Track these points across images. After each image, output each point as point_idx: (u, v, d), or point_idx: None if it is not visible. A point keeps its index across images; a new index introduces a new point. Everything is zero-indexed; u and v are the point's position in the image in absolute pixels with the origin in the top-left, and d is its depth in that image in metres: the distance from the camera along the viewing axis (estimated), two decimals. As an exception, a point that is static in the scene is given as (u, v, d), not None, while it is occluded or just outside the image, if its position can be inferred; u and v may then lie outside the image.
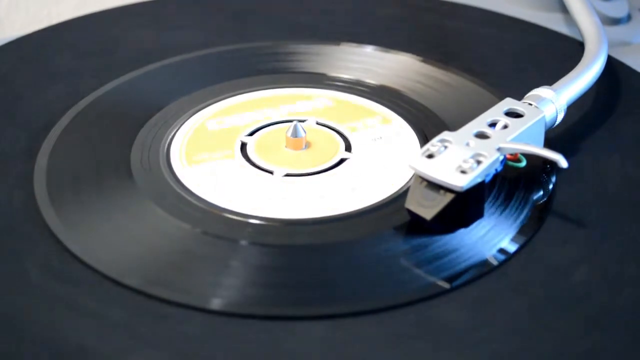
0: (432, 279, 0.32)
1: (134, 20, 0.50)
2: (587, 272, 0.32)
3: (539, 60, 0.46)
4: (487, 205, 0.34)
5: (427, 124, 0.40)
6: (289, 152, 0.38)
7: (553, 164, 0.36)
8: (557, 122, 0.37)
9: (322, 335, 0.30)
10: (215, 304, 0.31)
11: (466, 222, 0.33)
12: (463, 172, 0.32)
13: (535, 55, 0.46)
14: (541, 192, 0.36)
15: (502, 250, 0.33)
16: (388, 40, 0.47)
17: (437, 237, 0.33)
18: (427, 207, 0.33)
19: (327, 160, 0.38)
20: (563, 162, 0.33)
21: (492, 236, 0.33)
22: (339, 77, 0.44)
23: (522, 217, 0.34)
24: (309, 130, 0.39)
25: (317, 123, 0.40)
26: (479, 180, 0.33)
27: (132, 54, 0.46)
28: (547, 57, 0.46)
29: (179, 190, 0.36)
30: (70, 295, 0.31)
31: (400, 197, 0.35)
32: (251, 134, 0.40)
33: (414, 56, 0.45)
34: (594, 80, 0.40)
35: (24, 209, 0.35)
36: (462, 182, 0.32)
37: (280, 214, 0.35)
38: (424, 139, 0.39)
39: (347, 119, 0.40)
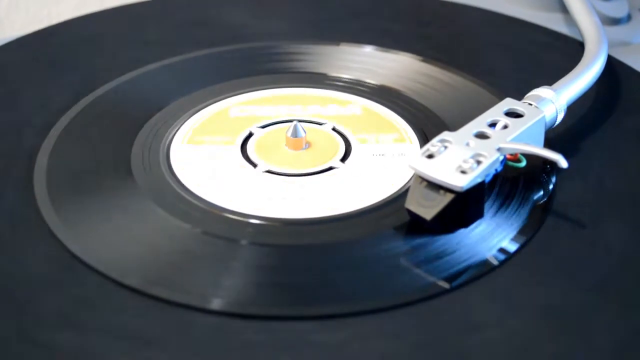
0: (432, 279, 0.32)
1: (134, 20, 0.50)
2: (587, 272, 0.32)
3: (539, 60, 0.46)
4: (487, 206, 0.34)
5: (427, 124, 0.40)
6: (289, 152, 0.38)
7: (553, 164, 0.36)
8: (557, 122, 0.37)
9: (322, 336, 0.30)
10: (215, 304, 0.31)
11: (466, 222, 0.33)
12: (463, 172, 0.32)
13: (535, 55, 0.46)
14: (541, 192, 0.36)
15: (502, 250, 0.33)
16: (388, 40, 0.47)
17: (437, 237, 0.33)
18: (427, 207, 0.33)
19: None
20: (563, 162, 0.33)
21: (492, 236, 0.33)
22: (339, 77, 0.44)
23: (522, 217, 0.34)
24: (309, 130, 0.39)
25: (334, 129, 0.40)
26: (479, 180, 0.33)
27: (132, 54, 0.46)
28: (547, 57, 0.46)
29: (179, 190, 0.36)
30: (70, 295, 0.31)
31: (400, 197, 0.35)
32: (263, 127, 0.40)
33: (414, 56, 0.45)
34: (594, 80, 0.40)
35: (24, 209, 0.35)
36: (462, 182, 0.32)
37: (280, 214, 0.35)
38: (424, 139, 0.39)
39: (364, 130, 0.40)
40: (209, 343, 0.29)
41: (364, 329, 0.30)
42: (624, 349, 0.29)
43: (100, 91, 0.42)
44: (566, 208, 0.35)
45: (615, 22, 0.51)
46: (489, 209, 0.34)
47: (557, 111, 0.37)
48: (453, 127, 0.37)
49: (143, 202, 0.35)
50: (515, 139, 0.35)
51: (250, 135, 0.40)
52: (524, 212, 0.35)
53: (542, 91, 0.37)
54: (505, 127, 0.35)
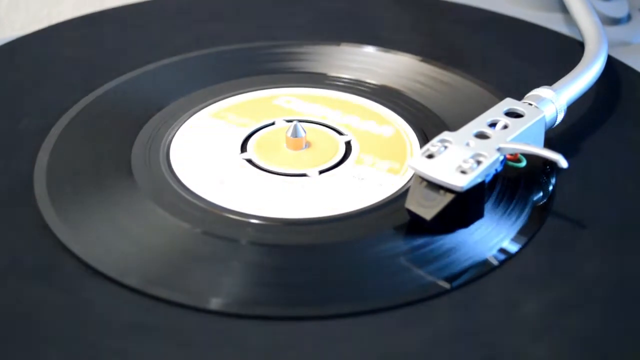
0: (432, 279, 0.32)
1: (134, 20, 0.50)
2: (587, 272, 0.32)
3: (539, 60, 0.46)
4: (487, 206, 0.34)
5: (427, 124, 0.40)
6: (289, 152, 0.38)
7: (553, 164, 0.36)
8: (557, 122, 0.37)
9: (322, 336, 0.30)
10: (215, 304, 0.31)
11: (466, 222, 0.33)
12: (463, 172, 0.32)
13: (535, 55, 0.46)
14: (541, 193, 0.36)
15: (502, 251, 0.33)
16: (388, 41, 0.47)
17: (437, 237, 0.33)
18: (427, 207, 0.33)
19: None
20: (563, 162, 0.33)
21: (492, 236, 0.33)
22: (339, 77, 0.44)
23: (522, 217, 0.34)
24: (309, 130, 0.39)
25: (347, 143, 0.39)
26: (479, 180, 0.33)
27: (132, 54, 0.46)
28: (547, 57, 0.46)
29: (179, 190, 0.36)
30: (70, 295, 0.31)
31: (400, 197, 0.35)
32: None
33: (414, 56, 0.45)
34: (594, 80, 0.40)
35: (24, 209, 0.35)
36: (462, 182, 0.32)
37: (280, 214, 0.35)
38: (424, 139, 0.39)
39: (373, 151, 0.38)
40: (209, 343, 0.29)
41: (364, 329, 0.30)
42: (624, 349, 0.29)
43: (100, 91, 0.42)
44: (566, 208, 0.35)
45: (615, 22, 0.51)
46: (489, 209, 0.34)
47: (557, 111, 0.37)
48: (453, 127, 0.37)
49: (143, 201, 0.35)
50: (516, 139, 0.35)
51: (272, 123, 0.40)
52: (524, 212, 0.35)
53: (542, 91, 0.37)
54: (506, 127, 0.35)
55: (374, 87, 0.43)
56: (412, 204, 0.33)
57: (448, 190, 0.32)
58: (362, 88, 0.43)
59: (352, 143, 0.39)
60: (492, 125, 0.35)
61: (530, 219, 0.34)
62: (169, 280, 0.32)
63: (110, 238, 0.34)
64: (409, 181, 0.36)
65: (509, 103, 0.36)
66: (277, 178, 0.37)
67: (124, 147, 0.38)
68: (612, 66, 0.44)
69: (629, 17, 0.52)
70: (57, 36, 0.48)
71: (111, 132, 0.40)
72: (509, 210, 0.35)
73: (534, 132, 0.36)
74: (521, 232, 0.34)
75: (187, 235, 0.34)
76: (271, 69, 0.45)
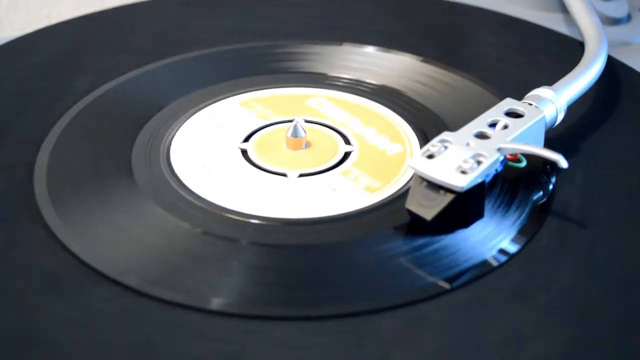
0: (432, 279, 0.32)
1: (134, 20, 0.50)
2: (588, 272, 0.32)
3: (539, 60, 0.46)
4: (487, 206, 0.34)
5: (427, 124, 0.40)
6: (289, 152, 0.38)
7: (553, 164, 0.36)
8: (557, 122, 0.37)
9: (322, 336, 0.30)
10: (215, 304, 0.31)
11: (466, 222, 0.33)
12: (463, 172, 0.32)
13: (535, 55, 0.46)
14: (541, 193, 0.36)
15: (502, 251, 0.33)
16: (389, 41, 0.47)
17: (437, 238, 0.33)
18: (427, 208, 0.33)
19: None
20: (563, 162, 0.33)
21: (492, 236, 0.33)
22: (339, 77, 0.44)
23: (522, 217, 0.34)
24: (309, 130, 0.39)
25: (344, 153, 0.39)
26: (479, 180, 0.33)
27: (132, 54, 0.46)
28: (547, 57, 0.46)
29: (179, 190, 0.36)
30: (70, 295, 0.31)
31: (400, 197, 0.35)
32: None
33: (415, 56, 0.45)
34: (594, 80, 0.40)
35: (24, 209, 0.35)
36: (462, 182, 0.32)
37: (280, 214, 0.35)
38: (424, 139, 0.39)
39: (365, 166, 0.37)
40: (209, 343, 0.29)
41: (364, 329, 0.30)
42: (624, 349, 0.29)
43: (100, 91, 0.42)
44: (566, 208, 0.35)
45: (615, 22, 0.51)
46: (489, 209, 0.34)
47: (557, 111, 0.37)
48: (453, 127, 0.37)
49: (143, 201, 0.35)
50: (516, 139, 0.35)
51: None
52: (524, 212, 0.35)
53: (542, 91, 0.37)
54: (506, 127, 0.35)
55: (375, 87, 0.43)
56: (412, 204, 0.33)
57: (448, 190, 0.32)
58: (363, 88, 0.43)
59: (352, 153, 0.38)
60: (492, 125, 0.35)
61: (530, 219, 0.34)
62: (169, 280, 0.32)
63: (110, 238, 0.34)
64: (409, 181, 0.36)
65: (509, 103, 0.36)
66: (277, 178, 0.37)
67: (124, 147, 0.38)
68: (612, 66, 0.44)
69: (629, 17, 0.52)
70: (57, 36, 0.48)
71: (111, 132, 0.40)
72: (509, 210, 0.35)
73: (534, 132, 0.36)
74: (521, 232, 0.34)
75: (187, 235, 0.34)
76: (271, 68, 0.45)
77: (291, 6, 0.52)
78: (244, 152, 0.38)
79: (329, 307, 0.31)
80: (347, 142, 0.39)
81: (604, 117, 0.41)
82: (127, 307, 0.31)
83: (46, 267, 0.32)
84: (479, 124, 0.35)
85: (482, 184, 0.33)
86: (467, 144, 0.34)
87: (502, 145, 0.34)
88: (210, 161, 0.38)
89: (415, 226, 0.33)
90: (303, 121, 0.39)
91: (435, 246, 0.33)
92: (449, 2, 0.52)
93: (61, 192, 0.36)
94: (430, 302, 0.31)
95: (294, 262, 0.33)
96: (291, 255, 0.33)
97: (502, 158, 0.34)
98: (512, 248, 0.33)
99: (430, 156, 0.33)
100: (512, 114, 0.36)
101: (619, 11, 0.52)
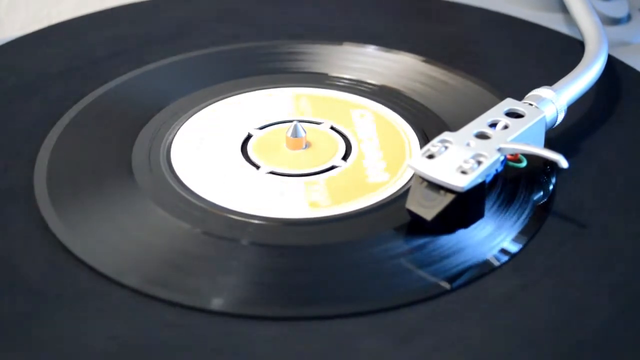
0: (432, 279, 0.32)
1: (133, 20, 0.50)
2: (588, 272, 0.32)
3: (539, 60, 0.46)
4: (487, 206, 0.34)
5: (427, 124, 0.40)
6: (289, 152, 0.38)
7: (553, 164, 0.36)
8: (557, 122, 0.37)
9: (322, 336, 0.30)
10: (215, 304, 0.31)
11: (467, 222, 0.33)
12: (464, 172, 0.32)
13: (535, 55, 0.46)
14: (542, 193, 0.36)
15: (502, 251, 0.33)
16: (389, 41, 0.47)
17: (438, 238, 0.33)
18: (428, 208, 0.33)
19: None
20: (563, 163, 0.33)
21: (493, 237, 0.33)
22: (339, 77, 0.44)
23: (522, 217, 0.34)
24: (309, 130, 0.39)
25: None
26: (480, 180, 0.33)
27: (132, 54, 0.46)
28: (547, 57, 0.46)
29: (179, 190, 0.36)
30: (70, 295, 0.31)
31: (400, 197, 0.35)
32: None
33: (415, 56, 0.45)
34: (594, 80, 0.40)
35: (24, 209, 0.35)
36: (462, 182, 0.32)
37: (280, 214, 0.35)
38: (425, 139, 0.39)
39: (332, 184, 0.36)
40: (209, 343, 0.29)
41: (364, 329, 0.30)
42: (624, 349, 0.29)
43: (100, 91, 0.42)
44: (567, 208, 0.35)
45: (615, 22, 0.51)
46: (489, 209, 0.34)
47: (557, 111, 0.37)
48: (453, 127, 0.37)
49: (143, 202, 0.35)
50: (516, 139, 0.35)
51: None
52: (525, 212, 0.35)
53: (542, 91, 0.37)
54: (506, 127, 0.35)
55: (375, 87, 0.43)
56: (412, 204, 0.33)
57: (448, 190, 0.32)
58: (363, 88, 0.43)
59: (337, 169, 0.37)
60: (493, 125, 0.35)
61: (530, 219, 0.34)
62: (169, 280, 0.32)
63: (110, 238, 0.34)
64: (409, 181, 0.36)
65: (509, 103, 0.36)
66: (278, 178, 0.37)
67: (124, 147, 0.38)
68: (612, 66, 0.44)
69: (629, 17, 0.52)
70: (57, 36, 0.48)
71: (111, 132, 0.40)
72: (509, 210, 0.35)
73: (534, 132, 0.36)
74: (522, 232, 0.34)
75: (187, 235, 0.34)
76: (272, 68, 0.45)
77: (291, 6, 0.52)
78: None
79: (329, 307, 0.31)
80: (347, 153, 0.38)
81: (604, 117, 0.41)
82: (127, 307, 0.31)
83: (46, 267, 0.32)
84: (479, 124, 0.35)
85: (482, 184, 0.33)
86: (468, 144, 0.34)
87: (502, 146, 0.34)
88: (210, 161, 0.38)
89: (416, 226, 0.33)
90: (301, 124, 0.39)
91: (435, 246, 0.33)
92: (449, 2, 0.52)
93: (61, 192, 0.36)
94: (430, 303, 0.31)
95: (294, 262, 0.33)
96: (291, 255, 0.33)
97: (502, 158, 0.34)
98: (513, 248, 0.33)
99: (431, 156, 0.33)
100: (513, 114, 0.36)
101: (619, 11, 0.52)
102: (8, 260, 0.33)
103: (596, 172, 0.37)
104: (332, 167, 0.38)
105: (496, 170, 0.34)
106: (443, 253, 0.32)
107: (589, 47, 0.42)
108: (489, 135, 0.34)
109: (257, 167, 0.37)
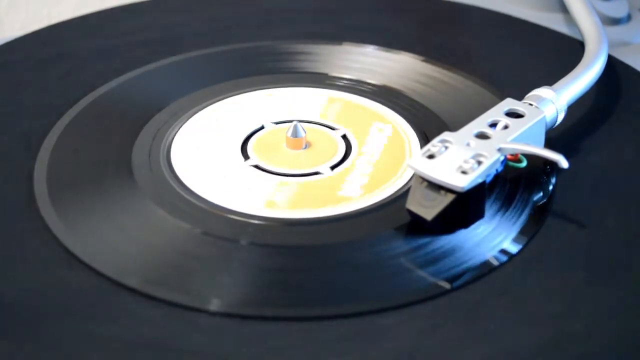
0: (432, 279, 0.32)
1: (133, 20, 0.50)
2: (588, 272, 0.32)
3: (539, 60, 0.46)
4: (487, 206, 0.34)
5: (427, 124, 0.40)
6: (289, 152, 0.38)
7: (553, 164, 0.36)
8: (557, 123, 0.37)
9: (322, 336, 0.30)
10: (215, 304, 0.31)
11: (467, 222, 0.33)
12: (464, 172, 0.32)
13: (535, 55, 0.46)
14: (542, 193, 0.36)
15: (502, 251, 0.33)
16: (389, 41, 0.47)
17: (438, 238, 0.33)
18: (428, 208, 0.33)
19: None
20: (564, 163, 0.33)
21: (493, 237, 0.33)
22: (340, 77, 0.44)
23: (522, 217, 0.34)
24: (309, 130, 0.39)
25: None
26: (480, 180, 0.33)
27: (132, 54, 0.46)
28: (547, 57, 0.46)
29: (179, 190, 0.36)
30: (70, 295, 0.31)
31: (400, 197, 0.35)
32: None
33: (415, 56, 0.45)
34: (594, 80, 0.40)
35: (24, 209, 0.35)
36: (462, 182, 0.32)
37: (280, 214, 0.35)
38: (425, 139, 0.39)
39: (304, 189, 0.36)
40: (209, 343, 0.29)
41: (363, 329, 0.30)
42: (624, 349, 0.29)
43: (100, 91, 0.42)
44: (567, 208, 0.35)
45: (615, 22, 0.51)
46: (489, 209, 0.34)
47: (557, 111, 0.37)
48: (453, 127, 0.37)
49: (143, 202, 0.35)
50: (516, 139, 0.35)
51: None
52: (525, 212, 0.35)
53: (542, 91, 0.37)
54: (506, 127, 0.35)
55: (375, 87, 0.43)
56: (412, 204, 0.33)
57: (449, 190, 0.32)
58: (363, 88, 0.43)
59: (320, 175, 0.37)
60: (493, 125, 0.35)
61: (530, 219, 0.34)
62: (169, 280, 0.32)
63: (110, 238, 0.34)
64: (409, 181, 0.36)
65: (509, 103, 0.36)
66: (277, 178, 0.37)
67: (124, 147, 0.38)
68: (612, 66, 0.44)
69: (629, 17, 0.52)
70: (57, 36, 0.48)
71: (111, 132, 0.40)
72: (509, 210, 0.35)
73: (534, 132, 0.36)
74: (522, 233, 0.34)
75: (187, 235, 0.34)
76: (272, 68, 0.45)
77: (291, 6, 0.52)
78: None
79: (329, 307, 0.31)
80: (343, 161, 0.38)
81: (604, 117, 0.41)
82: (127, 308, 0.31)
83: (46, 267, 0.32)
84: (480, 124, 0.35)
85: (482, 184, 0.33)
86: (468, 144, 0.34)
87: (502, 146, 0.34)
88: (210, 161, 0.38)
89: (416, 226, 0.33)
90: (301, 124, 0.39)
91: (435, 246, 0.33)
92: (449, 2, 0.52)
93: (61, 192, 0.36)
94: (430, 303, 0.31)
95: (294, 262, 0.33)
96: (291, 255, 0.33)
97: (502, 158, 0.34)
98: (513, 248, 0.33)
99: (431, 156, 0.33)
100: (513, 114, 0.36)
101: (619, 11, 0.52)
102: (8, 260, 0.33)
103: (596, 172, 0.37)
104: (316, 173, 0.37)
105: (496, 170, 0.34)
106: (443, 253, 0.32)
107: (589, 47, 0.42)
108: (489, 135, 0.34)
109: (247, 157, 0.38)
